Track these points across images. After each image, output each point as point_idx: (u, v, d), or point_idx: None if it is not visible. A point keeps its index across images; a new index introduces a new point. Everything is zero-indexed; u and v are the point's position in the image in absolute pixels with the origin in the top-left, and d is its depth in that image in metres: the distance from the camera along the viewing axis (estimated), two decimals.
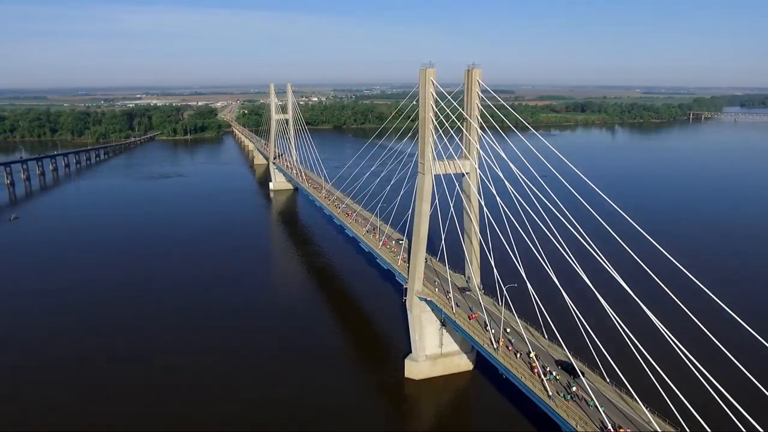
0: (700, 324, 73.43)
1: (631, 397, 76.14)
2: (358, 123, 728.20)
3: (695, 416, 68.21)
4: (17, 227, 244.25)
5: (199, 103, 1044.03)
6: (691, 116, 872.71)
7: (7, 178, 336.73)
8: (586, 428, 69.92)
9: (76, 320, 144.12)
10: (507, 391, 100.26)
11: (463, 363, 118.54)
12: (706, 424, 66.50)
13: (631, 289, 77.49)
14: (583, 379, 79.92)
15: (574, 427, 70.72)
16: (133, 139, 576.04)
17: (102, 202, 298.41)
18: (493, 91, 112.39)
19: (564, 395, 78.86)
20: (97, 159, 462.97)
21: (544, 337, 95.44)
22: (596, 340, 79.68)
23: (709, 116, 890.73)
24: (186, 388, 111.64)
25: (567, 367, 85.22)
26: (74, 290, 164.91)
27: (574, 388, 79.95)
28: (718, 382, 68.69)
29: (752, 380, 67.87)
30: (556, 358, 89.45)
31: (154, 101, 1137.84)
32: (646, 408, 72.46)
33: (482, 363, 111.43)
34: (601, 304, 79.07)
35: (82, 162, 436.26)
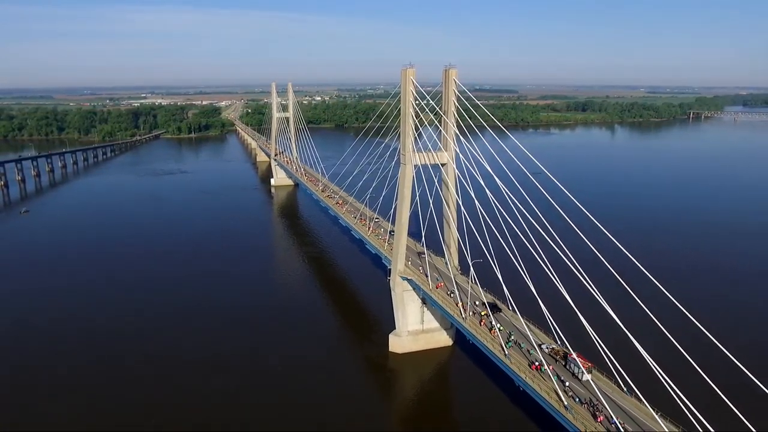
0: (637, 298, 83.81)
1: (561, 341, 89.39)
2: (360, 122, 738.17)
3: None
4: (27, 221, 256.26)
5: (204, 103, 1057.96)
6: (691, 115, 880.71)
7: (18, 175, 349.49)
8: (535, 385, 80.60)
9: (76, 318, 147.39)
10: (482, 363, 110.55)
11: (443, 339, 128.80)
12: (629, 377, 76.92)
13: (578, 266, 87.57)
14: (503, 314, 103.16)
15: (524, 380, 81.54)
16: (138, 138, 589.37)
17: (108, 198, 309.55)
18: (496, 90, 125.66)
19: (507, 343, 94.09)
20: (104, 157, 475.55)
21: (508, 308, 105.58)
22: (540, 301, 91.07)
23: (710, 115, 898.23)
24: (185, 379, 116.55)
25: (491, 305, 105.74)
26: (79, 287, 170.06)
27: (513, 337, 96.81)
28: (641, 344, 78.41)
29: (659, 326, 79.06)
30: (484, 301, 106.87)
31: (159, 100, 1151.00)
32: (574, 352, 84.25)
33: (461, 339, 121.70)
34: (551, 274, 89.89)
35: (89, 159, 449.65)
